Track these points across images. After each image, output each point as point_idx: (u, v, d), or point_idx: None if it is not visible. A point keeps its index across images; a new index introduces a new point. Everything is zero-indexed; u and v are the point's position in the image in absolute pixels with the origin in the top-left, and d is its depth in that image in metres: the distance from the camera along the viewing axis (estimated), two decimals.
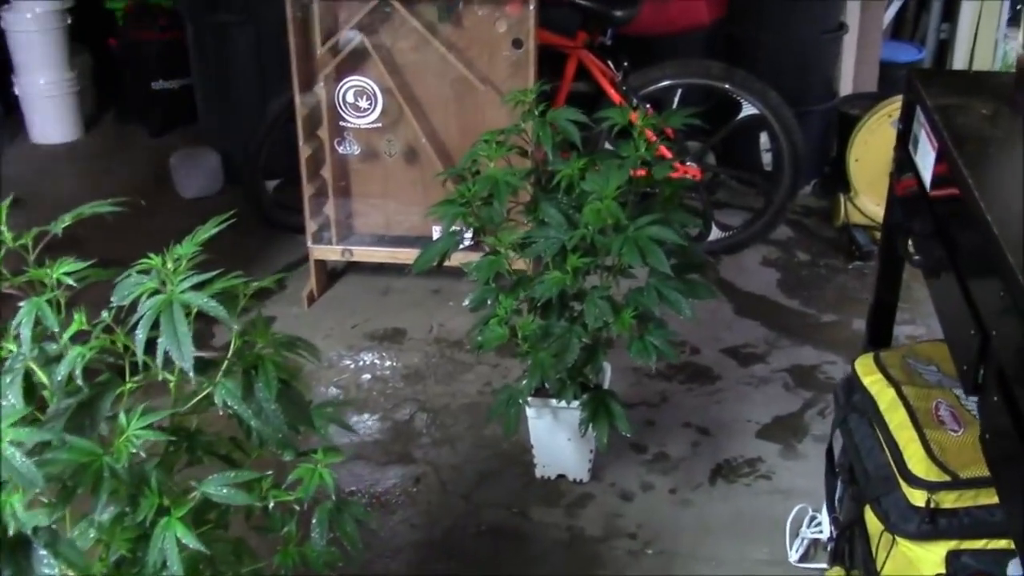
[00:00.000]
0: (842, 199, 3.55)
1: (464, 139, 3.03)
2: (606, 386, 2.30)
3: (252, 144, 3.36)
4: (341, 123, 3.03)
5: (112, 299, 1.41)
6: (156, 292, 1.34)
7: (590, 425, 2.16)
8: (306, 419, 1.45)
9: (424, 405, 2.72)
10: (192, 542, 1.25)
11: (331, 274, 3.35)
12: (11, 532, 1.20)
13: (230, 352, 1.39)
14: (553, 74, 3.31)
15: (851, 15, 3.90)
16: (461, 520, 2.31)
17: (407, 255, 3.15)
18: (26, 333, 1.34)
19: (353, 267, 3.33)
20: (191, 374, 1.25)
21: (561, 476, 2.42)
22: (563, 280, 2.03)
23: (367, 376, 2.85)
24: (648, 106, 3.22)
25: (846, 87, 4.05)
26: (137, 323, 1.29)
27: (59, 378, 1.35)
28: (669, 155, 3.06)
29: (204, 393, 1.41)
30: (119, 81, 4.63)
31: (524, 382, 2.14)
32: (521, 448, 2.45)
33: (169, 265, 1.35)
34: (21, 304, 1.38)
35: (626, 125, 2.18)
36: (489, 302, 2.19)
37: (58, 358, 1.38)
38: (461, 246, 2.22)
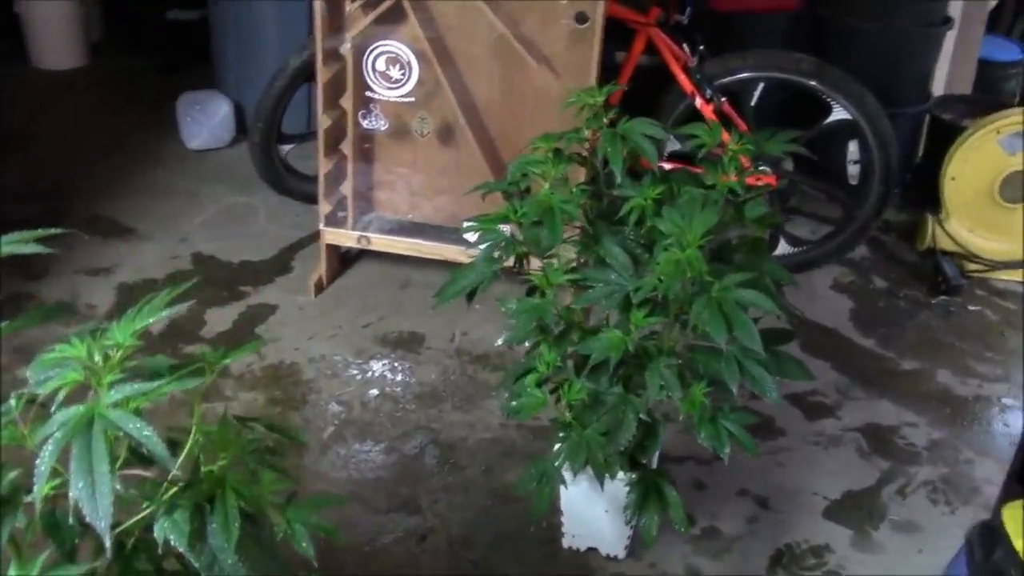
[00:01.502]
0: (930, 220, 3.11)
1: (509, 123, 2.61)
2: (655, 462, 1.91)
3: (266, 100, 2.93)
4: (368, 93, 2.60)
5: (28, 377, 1.02)
6: (81, 385, 0.95)
7: (638, 512, 1.77)
8: (277, 568, 1.06)
9: (437, 436, 2.33)
10: None
11: (344, 258, 2.95)
12: None
13: (174, 480, 1.00)
14: (615, 48, 2.87)
15: (954, 8, 3.42)
16: None
17: (431, 249, 2.75)
18: None
19: (370, 253, 2.93)
20: (106, 542, 0.86)
21: (592, 549, 2.04)
22: (623, 343, 1.62)
23: (374, 392, 2.47)
24: (724, 99, 2.78)
25: (939, 87, 3.58)
26: (46, 440, 0.89)
27: None
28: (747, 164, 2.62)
29: (139, 518, 1.03)
30: (130, 6, 4.20)
31: (560, 457, 1.74)
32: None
33: (97, 358, 0.95)
34: None
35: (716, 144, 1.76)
36: (528, 347, 1.79)
37: None
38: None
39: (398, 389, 2.48)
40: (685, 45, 2.79)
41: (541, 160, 1.78)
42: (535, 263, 1.80)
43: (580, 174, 2.19)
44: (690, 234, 1.59)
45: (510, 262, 1.80)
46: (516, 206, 1.76)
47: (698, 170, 1.81)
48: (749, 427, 1.71)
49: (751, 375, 1.64)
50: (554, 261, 1.78)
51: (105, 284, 2.80)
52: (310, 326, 2.70)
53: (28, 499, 1.00)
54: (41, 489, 0.87)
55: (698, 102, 2.79)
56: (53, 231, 1.08)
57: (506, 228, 1.81)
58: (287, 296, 2.81)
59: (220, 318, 2.70)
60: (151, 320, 0.98)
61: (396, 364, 2.57)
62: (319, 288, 2.83)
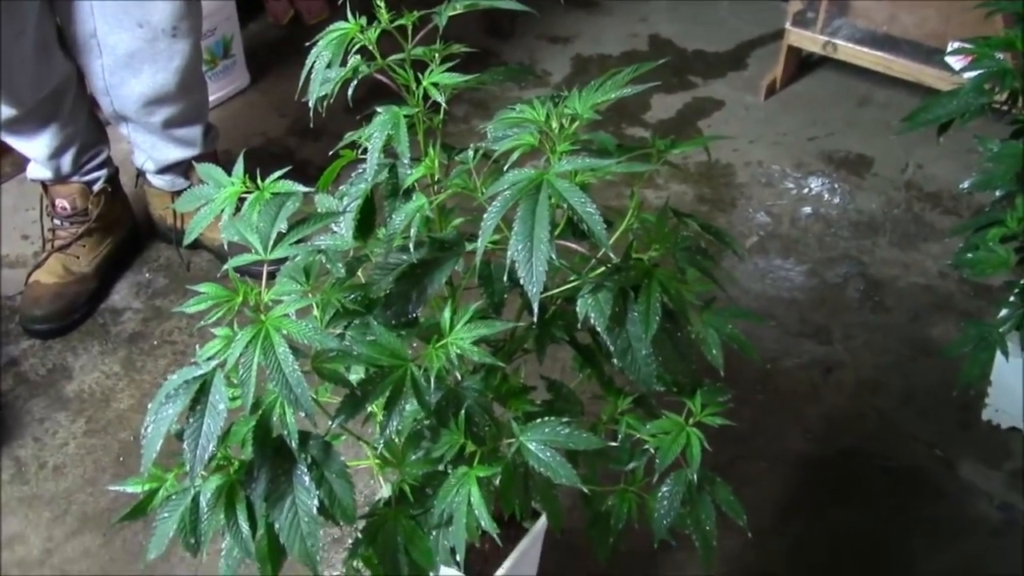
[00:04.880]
0: None
1: None
2: None
3: None
4: None
5: (488, 132, 1.04)
6: (531, 148, 0.95)
7: None
8: (687, 371, 1.04)
9: (866, 270, 2.18)
10: (485, 519, 0.93)
11: (803, 63, 2.76)
12: (273, 434, 0.94)
13: (604, 260, 0.99)
14: None
15: None
16: (867, 443, 1.84)
17: (903, 67, 2.48)
18: (376, 145, 1.01)
19: (831, 62, 2.70)
20: (534, 305, 0.87)
21: (1015, 429, 1.84)
22: None
23: (807, 210, 2.34)
24: None
25: None
26: (495, 196, 0.91)
27: (395, 225, 1.03)
28: None
29: (564, 288, 1.04)
30: None
31: (1009, 324, 1.54)
32: None
33: (554, 124, 0.93)
34: (379, 109, 1.05)
35: None
36: (998, 196, 1.58)
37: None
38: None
39: (833, 212, 2.33)
40: None
41: None
42: None
43: None
44: None
45: (1001, 97, 1.56)
46: None
47: None
48: None
49: None
50: None
51: (563, 53, 2.86)
52: (754, 129, 2.58)
53: (469, 248, 1.04)
54: (484, 241, 0.89)
55: None
56: None
57: (1003, 56, 1.56)
58: (735, 93, 2.70)
59: (665, 105, 2.66)
60: (612, 96, 0.94)
61: (836, 185, 2.40)
62: (771, 91, 2.69)
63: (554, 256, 0.87)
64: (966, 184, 1.59)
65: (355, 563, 1.13)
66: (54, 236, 2.10)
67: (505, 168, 0.92)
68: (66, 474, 1.79)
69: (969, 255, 1.51)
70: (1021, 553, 1.66)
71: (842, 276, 2.17)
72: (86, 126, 2.07)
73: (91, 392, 1.93)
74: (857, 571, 1.65)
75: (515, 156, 0.94)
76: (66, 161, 2.05)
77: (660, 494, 1.11)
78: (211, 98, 2.30)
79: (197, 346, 0.94)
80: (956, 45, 2.30)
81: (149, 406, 0.92)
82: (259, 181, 0.99)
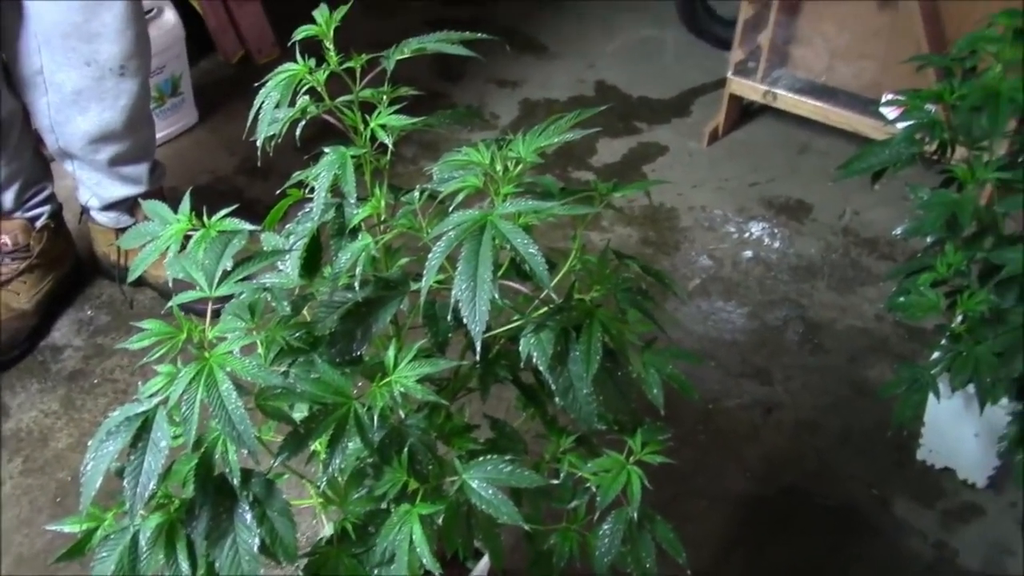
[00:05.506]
0: None
1: None
2: None
3: None
4: None
5: (433, 174, 1.07)
6: (475, 190, 0.97)
7: (1015, 447, 1.60)
8: (628, 410, 1.06)
9: (805, 313, 2.23)
10: (427, 557, 0.94)
11: (745, 111, 2.83)
12: (215, 471, 0.94)
13: (546, 301, 1.01)
14: None
15: None
16: (805, 481, 1.88)
17: (840, 117, 2.56)
18: (323, 184, 1.02)
19: (772, 110, 2.77)
20: (477, 344, 0.89)
21: (948, 470, 1.88)
22: None
23: (748, 254, 2.39)
24: None
25: None
26: (440, 236, 0.92)
27: (341, 264, 1.04)
28: None
29: (507, 328, 1.06)
30: None
31: (939, 368, 1.59)
32: None
33: (498, 167, 0.95)
34: (327, 150, 1.06)
35: None
36: (929, 243, 1.63)
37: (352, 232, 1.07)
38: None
39: (773, 256, 2.38)
40: None
41: (998, 38, 1.55)
42: (959, 153, 1.61)
43: None
44: None
45: (931, 147, 1.62)
46: (953, 86, 1.56)
47: None
48: None
49: None
50: (985, 155, 1.58)
51: (511, 97, 2.90)
52: (697, 174, 2.64)
53: (414, 288, 1.05)
54: (429, 280, 0.90)
55: None
56: (478, 35, 1.09)
57: (933, 109, 1.63)
58: (679, 140, 2.76)
59: (611, 149, 2.71)
60: (555, 141, 0.97)
61: (776, 230, 2.46)
62: (713, 137, 2.75)
63: (496, 296, 0.89)
64: (899, 230, 1.64)
65: None
66: None
67: (450, 209, 0.94)
68: (2, 515, 1.75)
69: (901, 299, 1.56)
70: None
71: (782, 319, 2.22)
72: (30, 162, 2.05)
73: (28, 431, 1.90)
74: None
75: (460, 198, 0.96)
76: (9, 197, 2.04)
77: (601, 532, 1.13)
78: (159, 135, 2.30)
79: (139, 383, 0.94)
80: (890, 96, 2.37)
81: (89, 443, 0.92)
82: (205, 219, 1.00)
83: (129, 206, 2.14)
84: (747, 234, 2.45)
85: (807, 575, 1.72)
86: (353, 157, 1.01)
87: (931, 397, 1.67)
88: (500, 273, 0.97)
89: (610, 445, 1.15)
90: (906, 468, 1.90)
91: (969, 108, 1.53)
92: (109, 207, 2.14)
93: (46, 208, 2.10)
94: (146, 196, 2.07)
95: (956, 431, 1.82)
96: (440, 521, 1.01)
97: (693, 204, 2.53)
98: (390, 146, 1.01)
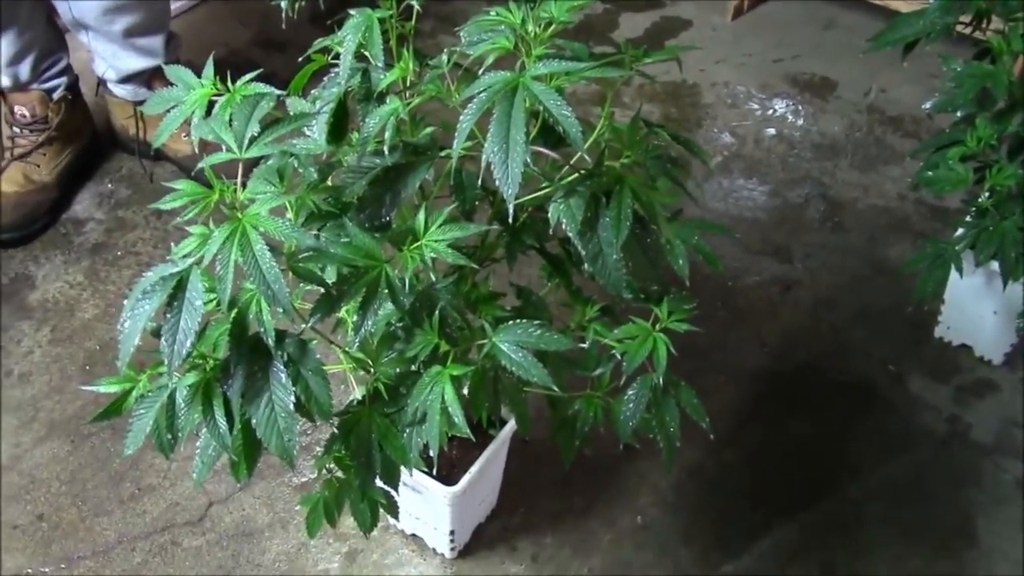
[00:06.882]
0: None
1: None
2: None
3: None
4: None
5: (462, 38, 1.05)
6: (506, 51, 0.96)
7: None
8: (656, 278, 1.06)
9: (827, 191, 2.22)
10: (458, 416, 0.96)
11: None
12: (249, 332, 0.95)
13: (577, 166, 1.00)
14: None
15: None
16: (822, 358, 1.89)
17: None
18: (349, 47, 1.01)
19: None
20: (509, 207, 0.89)
21: (966, 346, 1.90)
22: None
23: (771, 131, 2.36)
24: None
25: None
26: (470, 99, 0.91)
27: (369, 129, 1.04)
28: None
29: (536, 195, 1.05)
30: None
31: (964, 243, 1.59)
32: None
33: (530, 28, 0.94)
34: (352, 12, 1.04)
35: None
36: (958, 118, 1.61)
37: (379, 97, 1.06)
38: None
39: (796, 134, 2.35)
40: None
41: None
42: (995, 24, 1.57)
43: None
44: None
45: (967, 17, 1.58)
46: None
47: None
48: None
49: None
50: (1020, 25, 1.54)
51: None
52: (720, 49, 2.59)
53: (442, 155, 1.05)
54: (459, 145, 0.90)
55: None
56: None
57: None
58: (703, 14, 2.70)
59: (633, 24, 2.65)
60: (589, 0, 0.94)
61: (800, 107, 2.43)
62: (738, 12, 2.68)
63: (529, 159, 0.88)
64: (928, 105, 1.61)
65: (327, 464, 1.16)
66: (14, 144, 2.07)
67: (480, 72, 0.93)
68: (32, 382, 1.79)
69: (929, 173, 1.55)
70: (965, 463, 1.73)
71: (803, 197, 2.20)
72: (44, 32, 2.02)
73: (55, 301, 1.92)
74: (810, 480, 1.71)
75: (490, 60, 0.94)
76: (24, 68, 2.01)
77: (626, 397, 1.15)
78: (172, 7, 2.26)
79: (172, 244, 0.94)
80: None
81: (125, 303, 0.93)
82: (230, 84, 0.99)
83: (146, 79, 2.12)
84: (770, 111, 2.41)
85: (822, 448, 1.75)
86: (379, 20, 0.99)
87: (953, 273, 1.67)
88: (531, 138, 0.97)
89: (634, 315, 1.16)
90: (923, 345, 1.91)
91: None
92: (126, 79, 2.12)
93: (63, 79, 2.08)
94: None
95: (976, 308, 1.82)
96: (467, 387, 1.02)
97: (716, 80, 2.49)
98: (416, 6, 0.99)
